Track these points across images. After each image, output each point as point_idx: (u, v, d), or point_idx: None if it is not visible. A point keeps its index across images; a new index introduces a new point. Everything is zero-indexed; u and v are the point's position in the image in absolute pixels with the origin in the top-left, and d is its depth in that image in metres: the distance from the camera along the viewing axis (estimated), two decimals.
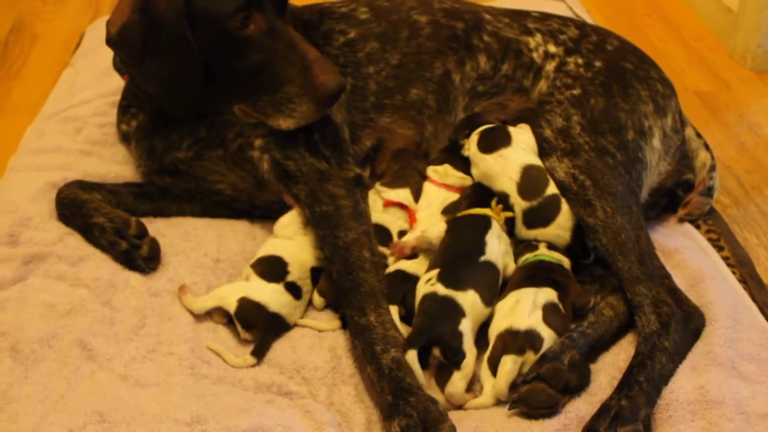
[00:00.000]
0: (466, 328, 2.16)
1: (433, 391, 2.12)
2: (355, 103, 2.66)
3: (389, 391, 2.04)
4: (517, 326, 2.16)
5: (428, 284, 2.22)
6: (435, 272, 2.25)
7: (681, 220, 2.68)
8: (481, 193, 2.48)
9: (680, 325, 2.18)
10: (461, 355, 2.13)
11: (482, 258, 2.29)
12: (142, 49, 2.31)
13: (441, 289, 2.19)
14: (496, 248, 2.33)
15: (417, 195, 2.55)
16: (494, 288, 2.28)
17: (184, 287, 2.36)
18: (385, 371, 2.07)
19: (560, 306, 2.23)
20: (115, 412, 2.00)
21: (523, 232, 2.43)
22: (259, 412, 2.05)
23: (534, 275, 2.29)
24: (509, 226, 2.44)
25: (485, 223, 2.37)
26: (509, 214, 2.42)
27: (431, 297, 2.19)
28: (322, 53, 2.38)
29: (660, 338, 2.14)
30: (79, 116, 3.05)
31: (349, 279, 2.25)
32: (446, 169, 2.56)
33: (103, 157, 2.86)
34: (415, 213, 2.51)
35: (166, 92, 2.39)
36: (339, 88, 2.31)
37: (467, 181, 2.55)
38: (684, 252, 2.51)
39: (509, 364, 2.11)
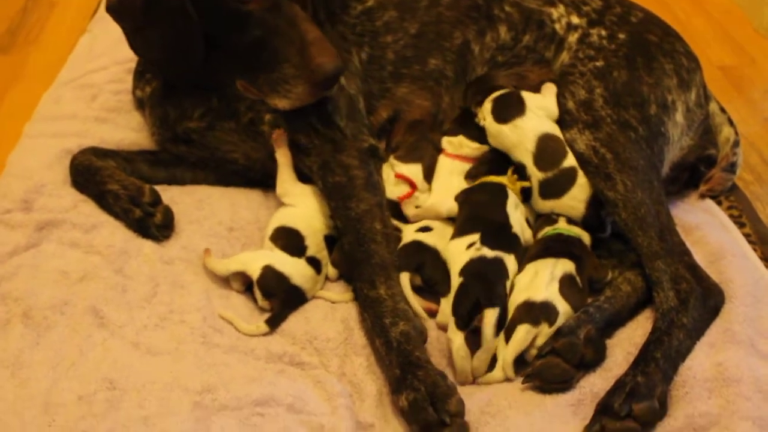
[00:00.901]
0: (507, 289, 2.17)
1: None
2: (372, 73, 2.62)
3: (397, 364, 2.02)
4: (533, 298, 2.14)
5: (472, 249, 2.21)
6: (476, 236, 2.23)
7: (702, 196, 2.66)
8: (498, 159, 2.46)
9: (699, 301, 2.15)
10: (505, 320, 2.12)
11: (512, 230, 2.30)
12: (143, 18, 2.29)
13: (488, 252, 2.19)
14: (516, 220, 2.32)
15: (430, 170, 2.52)
16: (521, 259, 2.28)
17: (209, 250, 2.34)
18: (393, 344, 2.06)
19: (577, 279, 2.21)
20: (125, 380, 2.00)
21: (539, 203, 2.41)
22: (271, 382, 2.04)
23: (552, 247, 2.27)
24: (524, 195, 2.42)
25: (503, 192, 2.35)
26: (525, 183, 2.40)
27: (480, 260, 2.19)
28: (339, 22, 2.34)
29: (678, 315, 2.12)
30: (95, 83, 3.04)
31: (360, 251, 2.23)
32: (461, 140, 2.52)
33: (118, 124, 2.84)
34: (419, 193, 2.49)
35: (166, 62, 2.37)
36: (336, 71, 2.24)
37: (482, 151, 2.52)
38: (704, 228, 2.48)
39: (521, 333, 2.09)
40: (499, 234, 2.27)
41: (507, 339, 2.12)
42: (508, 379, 2.11)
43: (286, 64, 2.25)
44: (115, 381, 1.99)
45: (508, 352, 2.09)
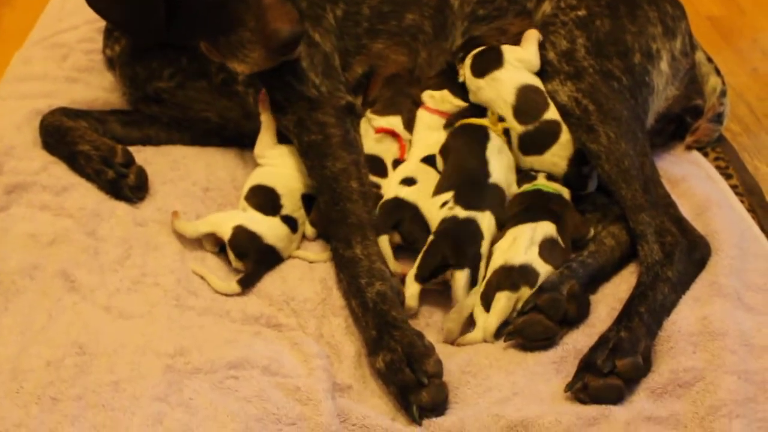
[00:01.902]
0: (484, 251, 2.13)
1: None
2: (348, 29, 2.55)
3: (373, 325, 1.99)
4: (511, 261, 2.09)
5: (446, 208, 2.18)
6: (449, 194, 2.19)
7: (689, 148, 2.62)
8: (479, 108, 2.42)
9: (684, 254, 2.12)
10: (476, 281, 2.09)
11: (490, 180, 2.25)
12: None
13: (461, 212, 2.16)
14: (498, 167, 2.27)
15: (409, 123, 2.47)
16: (503, 211, 2.24)
17: (177, 213, 2.29)
18: (369, 305, 2.02)
19: (559, 240, 2.16)
20: (96, 344, 1.95)
21: (519, 158, 2.37)
22: (246, 344, 2.00)
23: (531, 207, 2.22)
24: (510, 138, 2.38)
25: (484, 135, 2.31)
26: (506, 124, 2.36)
27: (452, 221, 2.15)
28: None
29: (663, 268, 2.09)
30: (66, 42, 2.96)
31: (336, 210, 2.19)
32: (444, 95, 2.47)
33: (89, 84, 2.77)
34: (406, 142, 2.45)
35: (126, 22, 2.31)
36: (292, 37, 2.14)
37: (463, 108, 2.46)
38: (690, 180, 2.45)
39: (503, 301, 2.05)
40: (473, 189, 2.22)
41: (486, 306, 2.08)
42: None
43: (242, 27, 2.17)
44: (85, 345, 1.94)
45: (490, 322, 2.05)
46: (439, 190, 2.26)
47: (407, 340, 1.93)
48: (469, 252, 2.11)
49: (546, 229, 2.16)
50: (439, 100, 2.46)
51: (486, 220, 2.17)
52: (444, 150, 2.35)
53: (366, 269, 2.09)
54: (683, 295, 2.08)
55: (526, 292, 2.06)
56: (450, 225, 2.16)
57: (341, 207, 2.19)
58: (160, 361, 1.92)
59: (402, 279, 2.19)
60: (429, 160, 2.37)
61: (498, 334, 2.07)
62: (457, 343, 2.08)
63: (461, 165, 2.29)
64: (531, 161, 2.35)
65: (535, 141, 2.33)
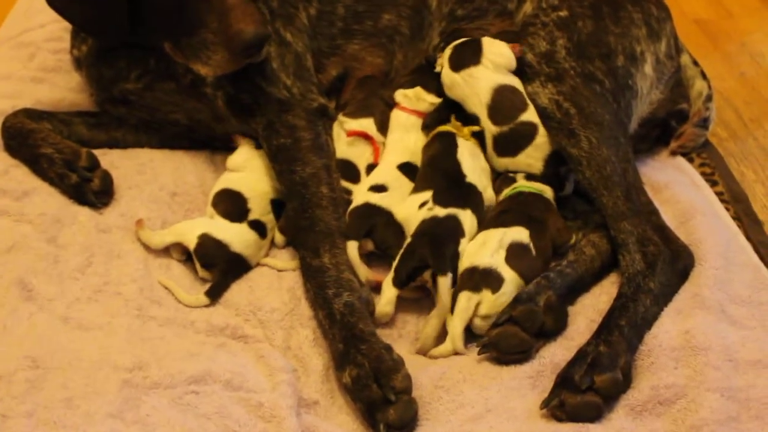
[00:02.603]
0: (462, 249, 2.09)
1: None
2: (321, 29, 2.48)
3: (340, 338, 1.92)
4: (476, 263, 2.03)
5: (424, 209, 2.13)
6: (428, 194, 2.15)
7: (673, 153, 2.57)
8: (449, 108, 2.36)
9: (667, 265, 2.05)
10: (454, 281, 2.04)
11: (467, 180, 2.20)
12: None
13: (441, 211, 2.11)
14: (471, 168, 2.22)
15: (383, 125, 2.40)
16: (482, 211, 2.19)
17: (141, 221, 2.22)
18: (336, 317, 1.96)
19: (531, 246, 2.09)
20: (50, 358, 1.87)
21: (493, 159, 2.31)
22: (209, 357, 1.93)
23: (506, 212, 2.15)
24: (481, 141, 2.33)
25: (451, 141, 2.26)
26: (474, 128, 2.30)
27: (431, 221, 2.11)
28: None
29: (645, 279, 2.02)
30: (33, 41, 2.90)
31: (305, 217, 2.13)
32: (417, 92, 2.39)
33: (56, 84, 2.71)
34: (380, 144, 2.38)
35: (87, 22, 2.25)
36: (256, 39, 2.08)
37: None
38: (675, 187, 2.39)
39: (462, 301, 1.99)
40: (451, 187, 2.17)
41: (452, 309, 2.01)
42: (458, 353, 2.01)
43: (205, 29, 2.10)
44: (39, 359, 1.85)
45: (454, 324, 1.99)
46: (416, 189, 2.21)
47: (374, 354, 1.87)
48: (448, 252, 2.06)
49: (516, 234, 2.09)
50: (413, 99, 2.39)
51: (468, 218, 2.13)
52: (422, 156, 2.31)
53: (334, 279, 2.02)
54: (665, 307, 2.01)
55: (487, 295, 1.99)
56: (429, 225, 2.10)
57: (310, 214, 2.13)
58: (116, 376, 1.84)
59: (375, 287, 2.13)
60: (405, 168, 2.31)
61: (472, 345, 2.00)
62: (429, 355, 2.01)
63: (436, 165, 2.24)
64: (505, 163, 2.29)
65: (510, 142, 2.27)
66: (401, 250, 2.09)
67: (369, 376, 1.83)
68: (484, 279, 2.00)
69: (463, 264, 2.05)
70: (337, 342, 1.93)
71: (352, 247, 2.11)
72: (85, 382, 1.82)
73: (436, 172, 2.22)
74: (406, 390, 1.82)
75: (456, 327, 1.98)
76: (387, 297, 2.04)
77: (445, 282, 2.01)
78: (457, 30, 2.52)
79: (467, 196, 2.18)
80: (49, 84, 2.70)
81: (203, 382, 1.85)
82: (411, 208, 2.17)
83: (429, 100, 2.38)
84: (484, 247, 2.06)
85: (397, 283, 2.04)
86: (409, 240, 2.10)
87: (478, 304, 1.98)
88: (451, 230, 2.10)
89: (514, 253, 2.05)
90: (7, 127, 2.40)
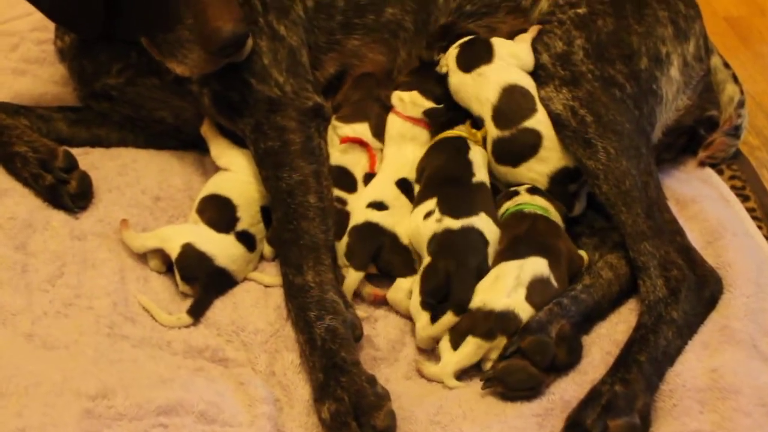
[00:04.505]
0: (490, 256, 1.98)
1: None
2: (319, 22, 2.35)
3: (320, 367, 1.79)
4: (491, 305, 1.86)
5: (431, 220, 2.00)
6: (432, 202, 2.03)
7: (701, 164, 2.43)
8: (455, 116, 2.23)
9: (692, 292, 1.92)
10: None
11: (474, 179, 2.09)
12: None
13: (453, 223, 1.98)
14: (482, 166, 2.12)
15: (378, 129, 2.26)
16: (494, 209, 2.09)
17: (126, 221, 2.10)
18: (317, 343, 1.82)
19: (551, 278, 1.93)
20: (6, 382, 1.71)
21: (493, 166, 2.18)
22: (183, 384, 1.78)
23: (517, 240, 1.99)
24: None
25: (463, 144, 2.14)
26: (484, 131, 2.18)
27: (445, 235, 1.97)
28: None
29: (667, 308, 1.89)
30: (17, 31, 2.79)
31: (289, 229, 1.99)
32: (413, 97, 2.25)
33: (38, 77, 2.61)
34: (376, 151, 2.25)
35: (60, 12, 2.13)
36: (234, 38, 1.97)
37: None
38: (702, 202, 2.26)
39: (471, 347, 1.84)
40: (457, 191, 2.04)
41: (454, 344, 1.86)
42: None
43: (180, 25, 1.98)
44: None
45: (451, 363, 1.83)
46: (419, 200, 2.08)
47: (355, 387, 1.73)
48: (472, 262, 1.93)
49: (536, 266, 1.92)
50: (408, 104, 2.25)
51: (485, 223, 1.99)
52: (422, 167, 2.16)
53: (316, 300, 1.88)
54: (690, 340, 1.88)
55: (502, 341, 1.84)
56: (446, 240, 1.96)
57: (294, 226, 1.99)
58: (78, 404, 1.69)
59: (375, 301, 2.04)
60: (403, 185, 2.17)
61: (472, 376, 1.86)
62: (417, 370, 1.90)
63: (440, 169, 2.12)
64: (504, 172, 2.16)
65: (510, 150, 2.14)
66: (421, 269, 1.96)
67: (348, 413, 1.70)
68: (499, 324, 1.84)
69: (475, 301, 1.89)
70: (317, 371, 1.80)
71: (355, 279, 2.00)
72: (43, 411, 1.66)
73: (440, 176, 2.10)
74: (387, 429, 1.69)
75: (452, 366, 1.83)
76: (422, 321, 1.90)
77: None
78: (450, 24, 2.39)
79: (476, 197, 2.06)
80: (32, 76, 2.60)
81: (174, 413, 1.71)
82: (416, 221, 2.03)
83: (426, 106, 2.24)
84: (498, 284, 1.89)
85: (427, 305, 1.90)
86: (428, 260, 1.96)
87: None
88: (473, 243, 1.96)
89: (536, 290, 1.89)
90: None
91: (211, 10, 1.93)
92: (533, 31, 2.24)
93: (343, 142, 2.21)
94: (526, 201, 2.07)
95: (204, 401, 1.73)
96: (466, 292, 1.88)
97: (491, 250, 1.97)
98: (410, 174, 2.18)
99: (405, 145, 2.21)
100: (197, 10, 1.94)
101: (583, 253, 2.06)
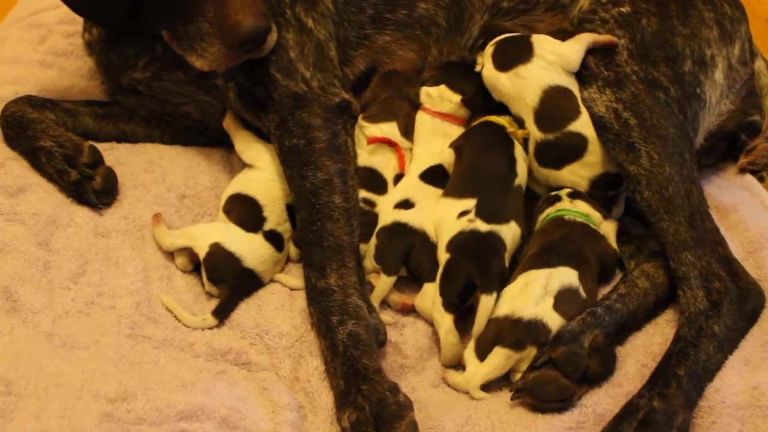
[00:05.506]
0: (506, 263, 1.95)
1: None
2: (349, 16, 2.30)
3: (342, 374, 1.76)
4: (519, 313, 1.81)
5: (464, 220, 1.96)
6: (471, 203, 1.97)
7: (742, 170, 2.36)
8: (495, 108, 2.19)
9: (734, 305, 1.86)
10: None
11: (516, 181, 2.06)
12: None
13: (483, 226, 1.94)
14: (523, 168, 2.08)
15: (407, 129, 2.20)
16: (523, 216, 2.05)
17: (159, 215, 2.07)
18: (339, 349, 1.78)
19: (580, 289, 1.87)
20: (25, 382, 1.69)
21: (534, 168, 2.13)
22: (204, 388, 1.75)
23: (549, 247, 1.94)
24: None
25: (503, 133, 2.10)
26: (526, 132, 2.13)
27: (471, 235, 1.93)
28: None
29: (708, 320, 1.83)
30: (45, 23, 2.75)
31: (312, 230, 1.95)
32: (442, 91, 2.20)
33: (66, 70, 2.56)
34: (405, 151, 2.19)
35: (83, 4, 2.09)
36: (255, 33, 1.93)
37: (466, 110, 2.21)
38: (742, 210, 2.20)
39: (500, 357, 1.78)
40: (498, 197, 2.00)
41: (478, 350, 1.80)
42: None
43: (201, 18, 1.94)
44: (12, 383, 1.67)
45: (477, 373, 1.78)
46: (456, 193, 2.02)
47: (376, 396, 1.69)
48: (495, 268, 1.90)
49: (565, 277, 1.87)
50: (436, 99, 2.20)
51: (510, 231, 1.96)
52: (459, 146, 2.10)
53: (339, 304, 1.84)
54: (730, 355, 1.82)
55: (532, 352, 1.79)
56: (470, 241, 1.92)
57: (318, 227, 1.94)
58: (97, 407, 1.66)
59: (403, 309, 1.98)
60: (428, 175, 2.11)
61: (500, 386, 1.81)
62: (443, 378, 1.86)
63: (484, 165, 2.06)
64: (546, 174, 2.11)
65: (554, 153, 2.09)
66: (441, 267, 1.92)
67: (369, 423, 1.67)
68: (528, 333, 1.79)
69: (501, 310, 1.84)
70: (338, 378, 1.76)
71: (387, 284, 1.95)
72: (61, 414, 1.64)
73: (484, 174, 2.04)
74: None
75: (479, 379, 1.78)
76: (445, 326, 1.86)
77: (488, 302, 1.84)
78: (493, 26, 2.34)
79: (512, 203, 2.02)
80: (58, 69, 2.56)
81: (195, 418, 1.68)
82: (447, 213, 1.98)
83: (454, 100, 2.19)
84: (527, 292, 1.85)
85: (449, 307, 1.86)
86: (447, 257, 1.91)
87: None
88: (494, 247, 1.92)
89: (564, 300, 1.84)
90: (7, 115, 2.24)
91: (232, 2, 1.89)
92: (601, 38, 2.14)
93: (370, 143, 2.16)
94: (567, 207, 2.02)
95: (226, 406, 1.70)
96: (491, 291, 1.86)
97: (507, 256, 1.94)
98: (434, 161, 2.13)
99: (436, 140, 2.16)
100: (218, 2, 1.91)
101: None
